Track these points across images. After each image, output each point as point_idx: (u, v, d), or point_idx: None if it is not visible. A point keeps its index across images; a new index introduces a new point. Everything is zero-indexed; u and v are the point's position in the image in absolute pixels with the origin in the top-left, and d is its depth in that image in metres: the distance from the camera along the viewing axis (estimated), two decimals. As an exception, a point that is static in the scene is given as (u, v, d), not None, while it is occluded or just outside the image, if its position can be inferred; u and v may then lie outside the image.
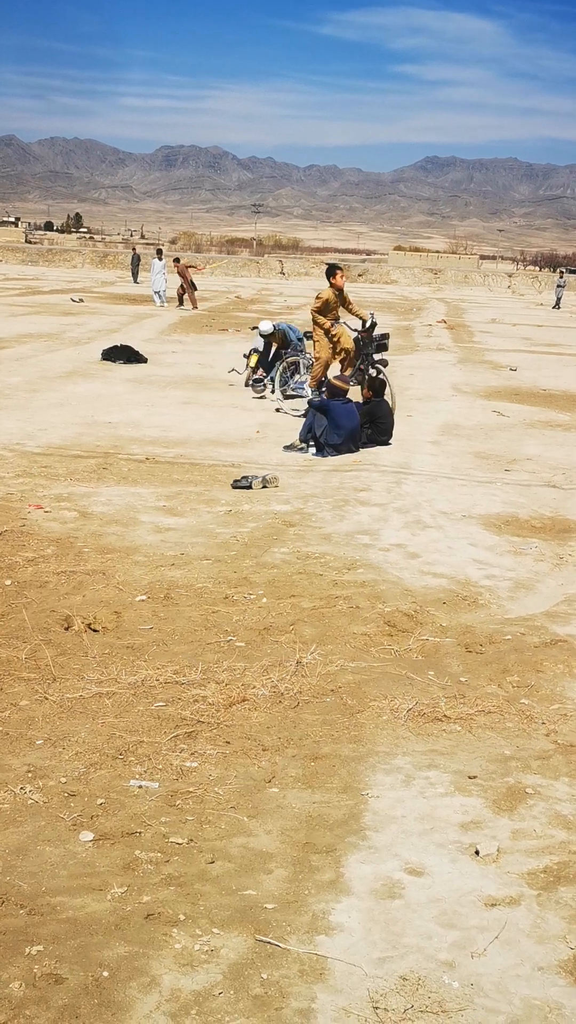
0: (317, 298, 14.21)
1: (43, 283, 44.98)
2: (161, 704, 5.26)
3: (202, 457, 11.46)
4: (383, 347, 14.63)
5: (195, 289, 34.62)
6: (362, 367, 14.36)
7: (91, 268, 65.28)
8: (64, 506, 9.02)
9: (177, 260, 36.47)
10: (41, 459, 10.81)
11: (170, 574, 7.38)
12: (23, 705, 5.19)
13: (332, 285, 14.16)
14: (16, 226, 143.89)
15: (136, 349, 20.07)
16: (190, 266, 34.88)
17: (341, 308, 14.32)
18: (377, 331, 14.64)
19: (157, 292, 35.01)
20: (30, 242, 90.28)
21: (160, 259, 35.43)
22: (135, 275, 50.10)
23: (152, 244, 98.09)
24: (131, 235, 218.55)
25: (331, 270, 14.41)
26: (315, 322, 14.17)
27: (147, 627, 6.35)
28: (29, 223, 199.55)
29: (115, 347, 20.02)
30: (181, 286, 34.38)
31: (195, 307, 33.85)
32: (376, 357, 14.38)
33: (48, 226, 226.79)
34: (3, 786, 4.38)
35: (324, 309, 14.08)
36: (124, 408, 14.40)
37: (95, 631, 6.26)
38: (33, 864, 3.84)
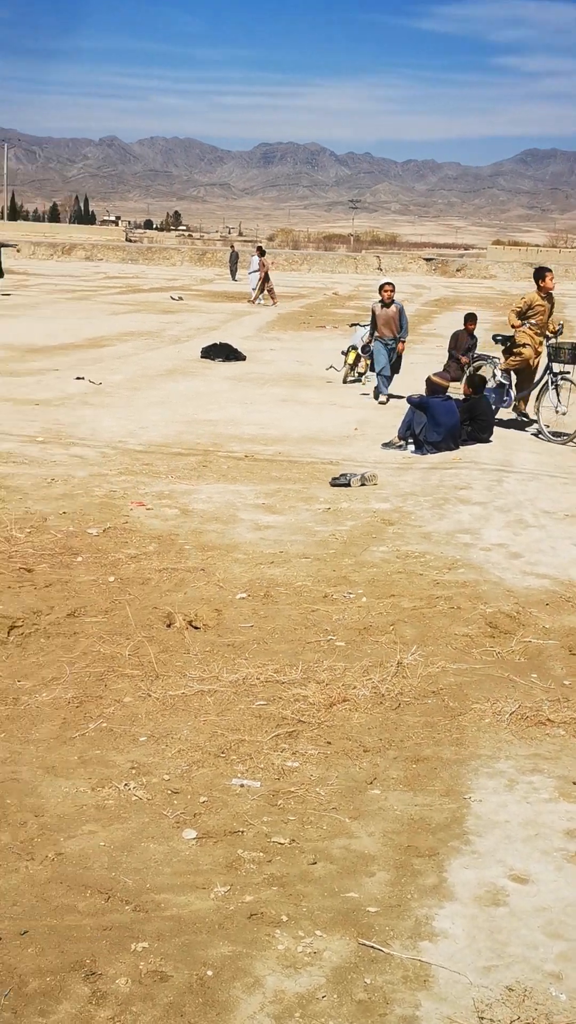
0: (521, 299, 13.83)
1: (143, 281, 45.52)
2: (262, 703, 5.27)
3: (300, 454, 11.47)
4: None
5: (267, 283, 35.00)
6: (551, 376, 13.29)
7: (190, 266, 65.82)
8: (165, 503, 9.11)
9: (262, 252, 36.68)
10: (143, 456, 10.93)
11: (270, 572, 7.40)
12: (127, 702, 5.25)
13: (540, 288, 13.56)
14: (117, 225, 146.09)
15: (235, 347, 20.17)
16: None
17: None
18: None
19: (255, 289, 35.15)
20: (130, 240, 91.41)
21: (260, 256, 35.58)
22: (233, 272, 50.35)
23: (250, 241, 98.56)
24: (229, 232, 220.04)
25: (540, 272, 13.75)
26: (510, 321, 13.79)
27: (247, 625, 6.38)
28: (129, 222, 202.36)
29: (214, 345, 20.14)
30: (265, 276, 34.66)
31: (254, 301, 34.34)
32: (566, 368, 13.25)
33: (148, 224, 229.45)
34: (108, 782, 4.43)
35: (524, 312, 13.67)
36: (223, 406, 14.48)
37: (196, 628, 6.31)
38: (138, 860, 3.88)
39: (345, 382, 17.37)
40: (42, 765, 4.59)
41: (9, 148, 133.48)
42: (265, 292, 35.04)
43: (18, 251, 59.03)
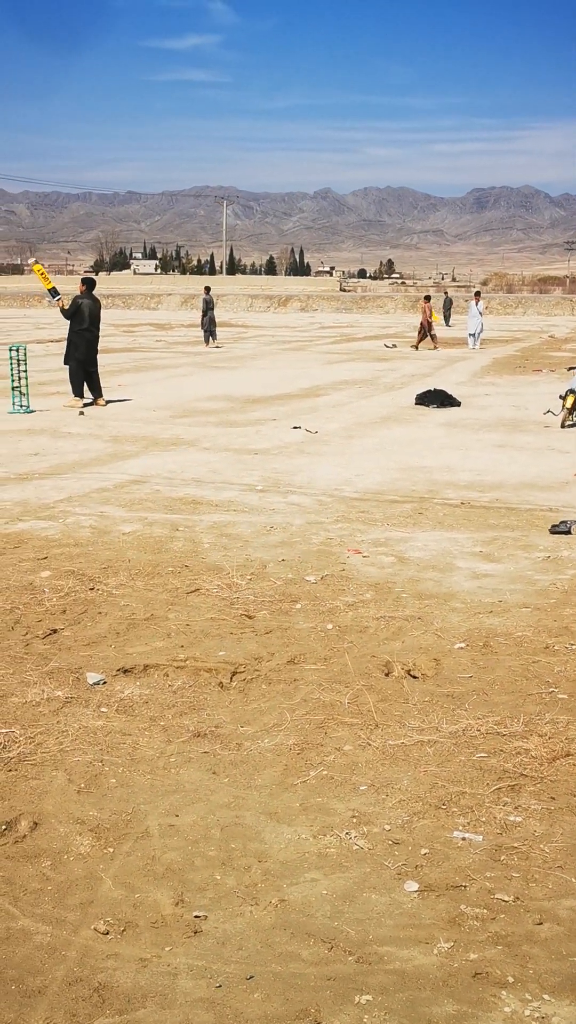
0: None
1: (357, 330, 46.11)
2: (483, 755, 5.20)
3: (518, 501, 11.30)
4: None
5: (429, 332, 34.95)
6: None
7: (403, 313, 66.23)
8: (381, 551, 9.14)
9: (427, 298, 36.83)
10: (358, 504, 11.02)
11: (488, 622, 7.30)
12: (347, 750, 5.27)
13: None
14: (331, 275, 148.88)
15: (449, 393, 20.15)
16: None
17: None
18: None
19: (472, 334, 35.06)
20: (344, 290, 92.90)
21: (477, 302, 35.47)
22: (447, 318, 50.36)
23: (464, 287, 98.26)
24: (442, 278, 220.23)
25: None
26: None
27: (466, 675, 6.30)
28: (343, 272, 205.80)
29: (428, 391, 20.19)
30: (423, 324, 34.79)
31: (418, 346, 34.31)
32: None
33: (361, 273, 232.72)
34: (329, 830, 4.46)
35: None
36: (438, 452, 14.45)
37: (415, 678, 6.28)
38: (359, 911, 3.87)
39: (563, 427, 17.04)
40: (265, 811, 4.66)
41: (228, 205, 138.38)
42: (428, 337, 35.16)
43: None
